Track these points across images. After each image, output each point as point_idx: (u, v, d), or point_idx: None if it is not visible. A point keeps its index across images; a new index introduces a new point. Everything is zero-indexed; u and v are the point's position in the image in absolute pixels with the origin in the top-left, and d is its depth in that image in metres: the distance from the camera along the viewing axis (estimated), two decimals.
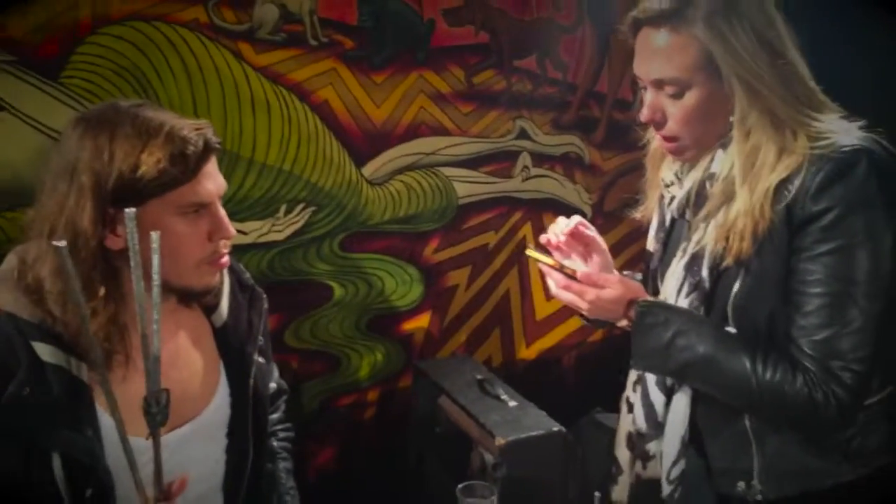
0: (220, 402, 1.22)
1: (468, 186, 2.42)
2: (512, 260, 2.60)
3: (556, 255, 1.31)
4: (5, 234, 1.71)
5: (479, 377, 2.14)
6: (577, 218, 1.31)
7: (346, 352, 2.30)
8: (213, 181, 1.08)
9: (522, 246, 2.61)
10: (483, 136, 2.42)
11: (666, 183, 1.30)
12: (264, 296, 1.32)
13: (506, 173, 2.50)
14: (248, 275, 1.32)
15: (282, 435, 1.42)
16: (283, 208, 2.09)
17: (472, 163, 2.42)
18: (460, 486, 1.41)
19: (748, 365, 1.10)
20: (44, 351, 1.03)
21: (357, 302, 2.29)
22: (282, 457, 1.39)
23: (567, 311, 2.70)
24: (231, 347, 1.23)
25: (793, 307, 1.10)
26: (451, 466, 2.07)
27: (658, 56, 1.13)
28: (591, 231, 1.32)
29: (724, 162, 1.16)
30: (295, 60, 2.04)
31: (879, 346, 1.07)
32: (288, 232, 2.11)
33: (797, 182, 1.08)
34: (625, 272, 1.44)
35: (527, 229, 2.61)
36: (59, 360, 1.03)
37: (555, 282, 1.26)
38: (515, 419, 1.93)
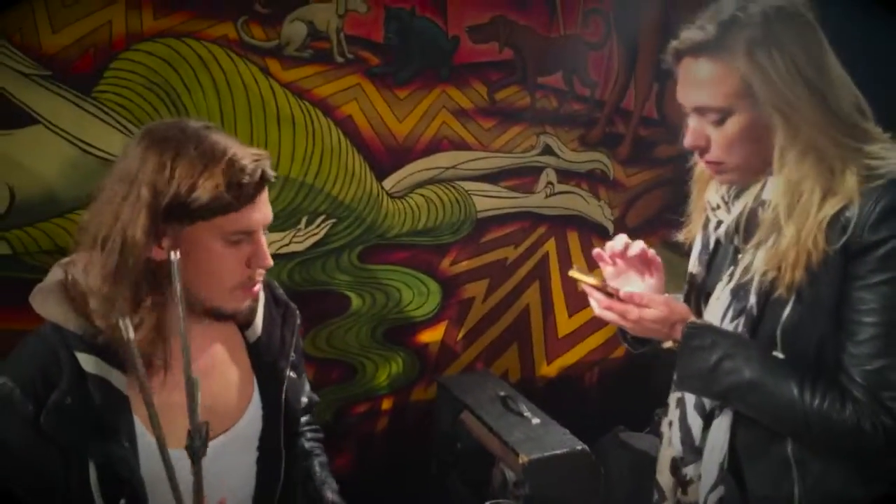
0: (253, 415, 1.24)
1: (488, 201, 2.45)
2: (533, 275, 2.62)
3: (608, 270, 1.34)
4: (38, 245, 1.80)
5: (501, 393, 2.15)
6: (640, 243, 1.32)
7: (362, 361, 2.35)
8: (261, 212, 1.11)
9: (544, 261, 2.63)
10: (505, 151, 2.44)
11: (712, 206, 1.29)
12: (297, 312, 1.35)
13: (528, 188, 2.52)
14: (281, 290, 1.35)
15: (310, 435, 1.45)
16: (304, 220, 2.15)
17: (493, 177, 2.44)
18: (487, 503, 1.42)
19: (796, 391, 1.09)
20: (87, 362, 1.06)
21: (374, 312, 2.33)
22: (315, 453, 1.42)
23: (590, 328, 2.77)
24: (264, 362, 1.26)
25: (845, 335, 1.09)
26: (472, 483, 2.08)
27: (699, 85, 1.14)
28: (654, 255, 1.33)
29: (775, 189, 1.15)
30: (321, 76, 2.10)
31: None
32: (308, 243, 2.17)
33: (854, 211, 1.07)
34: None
35: (550, 245, 2.63)
36: (100, 370, 1.07)
37: (597, 302, 1.26)
38: (539, 437, 1.92)
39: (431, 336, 2.47)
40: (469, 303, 2.52)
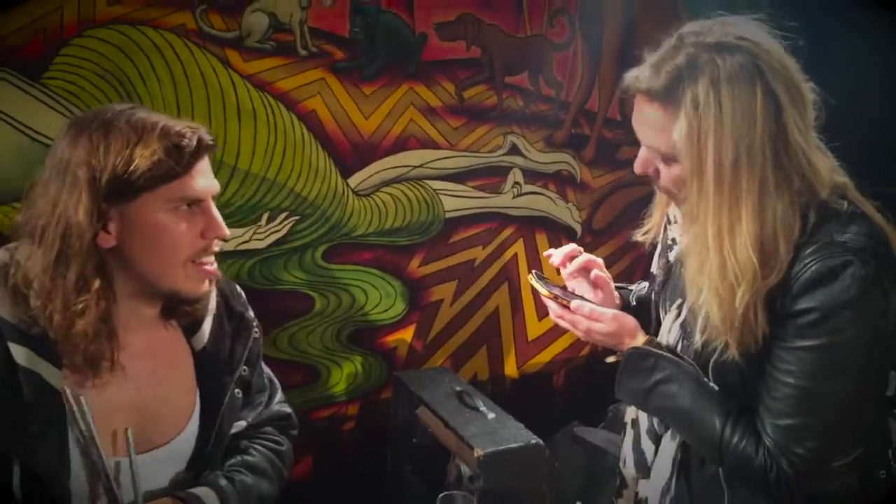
0: (191, 432, 1.18)
1: (456, 200, 2.41)
2: (502, 276, 2.58)
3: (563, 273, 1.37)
4: None
5: (457, 389, 2.12)
6: (588, 256, 1.35)
7: (325, 363, 2.27)
8: (206, 178, 1.08)
9: (513, 263, 2.59)
10: (472, 150, 2.40)
11: (670, 220, 1.30)
12: (255, 324, 1.28)
13: (495, 188, 2.48)
14: (242, 300, 1.28)
15: (259, 442, 1.30)
16: (265, 216, 2.08)
17: (461, 177, 2.40)
18: (441, 495, 1.40)
19: (718, 427, 1.12)
20: (19, 353, 1.01)
21: (339, 314, 2.26)
22: (248, 452, 1.26)
23: (559, 331, 2.71)
24: (207, 375, 1.20)
25: (764, 385, 1.11)
26: (427, 478, 2.04)
27: (647, 126, 1.11)
28: (602, 271, 1.36)
29: (690, 259, 1.13)
30: (283, 69, 2.04)
31: (842, 429, 1.10)
32: (269, 240, 2.09)
33: (787, 277, 1.06)
34: (629, 285, 1.48)
35: (519, 246, 2.59)
36: (32, 364, 1.01)
37: (551, 310, 1.30)
38: (494, 431, 1.91)
39: (398, 339, 2.40)
40: (437, 305, 2.46)
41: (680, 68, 1.05)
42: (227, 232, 1.10)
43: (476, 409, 2.01)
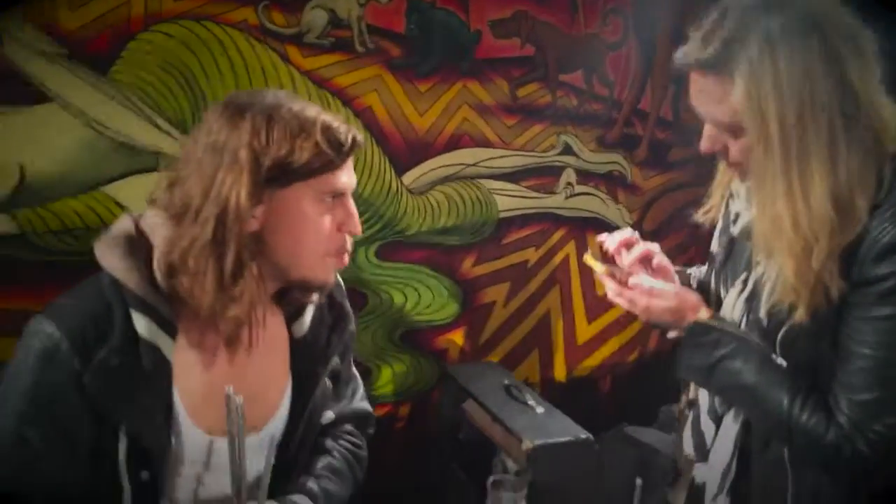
0: (281, 418, 1.17)
1: (509, 200, 2.38)
2: (553, 279, 2.54)
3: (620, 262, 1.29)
4: (46, 224, 1.71)
5: (505, 382, 2.09)
6: (646, 244, 1.28)
7: (376, 363, 2.25)
8: (351, 175, 1.09)
9: (564, 265, 2.55)
10: (526, 149, 2.38)
11: (732, 195, 1.25)
12: (352, 318, 1.27)
13: (548, 189, 2.46)
14: (342, 291, 1.28)
15: (342, 441, 1.30)
16: None
17: (514, 176, 2.38)
18: (491, 478, 1.38)
19: (786, 404, 1.08)
20: (142, 324, 1.01)
21: (391, 313, 2.24)
22: (332, 454, 1.26)
23: (608, 334, 2.69)
24: (302, 363, 1.19)
25: (839, 360, 1.06)
26: (473, 474, 2.00)
27: (705, 101, 1.08)
28: (663, 258, 1.29)
29: (759, 220, 1.09)
30: (341, 65, 2.04)
31: None
32: None
33: (860, 233, 1.02)
34: (686, 268, 1.42)
35: (570, 248, 2.55)
36: (153, 336, 1.01)
37: (608, 288, 1.25)
38: (542, 425, 1.88)
39: (450, 340, 2.37)
40: (489, 307, 2.43)
41: (729, 34, 1.02)
42: (360, 229, 1.11)
43: (525, 402, 1.98)
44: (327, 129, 1.03)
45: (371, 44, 2.07)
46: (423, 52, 2.14)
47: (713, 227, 1.32)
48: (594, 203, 2.57)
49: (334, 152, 1.04)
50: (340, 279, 1.27)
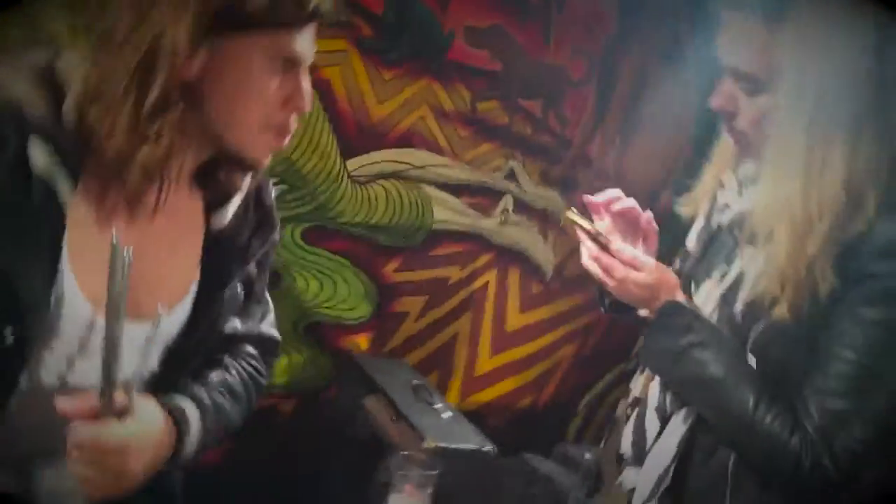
0: (182, 313, 1.01)
1: (446, 212, 2.29)
2: (468, 303, 2.46)
3: (599, 225, 1.20)
4: None
5: (415, 382, 2.00)
6: (631, 200, 1.20)
7: None
8: (309, 46, 0.93)
9: (482, 292, 2.48)
10: (473, 165, 2.31)
11: (723, 185, 1.19)
12: (278, 225, 1.13)
13: (486, 210, 2.39)
14: (272, 195, 1.13)
15: (243, 363, 1.15)
16: None
17: (456, 189, 2.30)
18: (398, 454, 1.29)
19: (751, 402, 1.01)
20: (39, 156, 0.84)
21: (303, 300, 2.07)
22: (227, 369, 1.11)
23: (508, 371, 2.63)
24: (215, 258, 1.03)
25: (816, 363, 1.00)
26: (353, 477, 1.85)
27: (742, 45, 1.03)
28: (650, 220, 1.21)
29: (788, 194, 1.01)
30: None
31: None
32: None
33: (863, 227, 0.98)
34: None
35: (491, 276, 2.49)
36: (49, 172, 0.84)
37: (587, 250, 1.15)
38: (448, 429, 1.80)
39: (354, 343, 2.23)
40: (402, 317, 2.31)
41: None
42: (310, 107, 0.95)
43: (432, 404, 1.89)
44: None
45: (344, 15, 1.94)
46: (395, 38, 2.04)
47: (689, 221, 1.27)
48: (524, 236, 2.52)
49: (295, 7, 0.89)
50: (271, 181, 1.13)
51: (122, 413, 0.86)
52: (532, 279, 2.58)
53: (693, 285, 1.20)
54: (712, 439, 1.10)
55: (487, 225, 2.41)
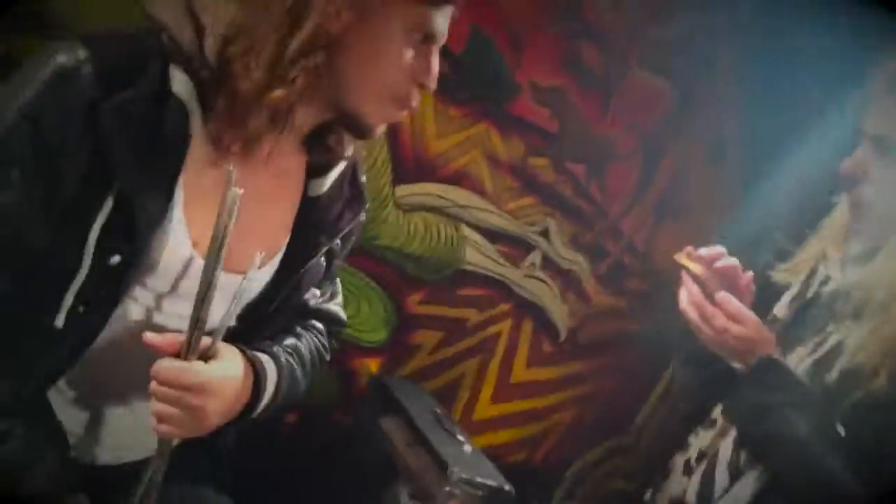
0: (268, 273, 1.02)
1: (478, 256, 2.32)
2: (479, 347, 2.47)
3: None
4: None
5: (437, 410, 2.00)
6: (734, 260, 1.22)
7: None
8: (445, 25, 0.95)
9: (493, 339, 2.49)
10: (513, 214, 2.35)
11: (829, 256, 1.22)
12: (367, 203, 1.15)
13: (514, 260, 2.42)
14: (364, 178, 1.16)
15: (313, 334, 1.17)
16: None
17: (492, 235, 2.33)
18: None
19: (840, 470, 1.02)
20: (180, 81, 0.85)
21: None
22: (301, 336, 1.13)
23: (507, 422, 2.63)
24: (307, 225, 1.05)
25: None
26: (358, 498, 1.88)
27: (888, 111, 1.08)
28: (750, 281, 1.22)
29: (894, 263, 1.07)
30: None
31: None
32: None
33: None
34: None
35: (505, 325, 2.51)
36: (188, 98, 0.86)
37: (688, 294, 1.17)
38: (471, 462, 1.80)
39: (365, 366, 2.23)
40: (416, 349, 2.32)
41: None
42: (434, 85, 0.97)
43: (455, 435, 1.89)
44: None
45: None
46: (468, 80, 2.10)
47: (781, 288, 1.29)
48: (545, 292, 2.56)
49: None
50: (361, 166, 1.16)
51: (207, 356, 0.88)
52: (545, 337, 2.60)
53: (782, 351, 1.21)
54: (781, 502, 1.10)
55: (513, 275, 2.44)
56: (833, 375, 1.09)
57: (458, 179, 2.19)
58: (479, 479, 1.71)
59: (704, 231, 2.70)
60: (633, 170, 2.58)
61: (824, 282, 1.21)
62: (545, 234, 2.46)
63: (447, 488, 1.62)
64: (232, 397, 0.91)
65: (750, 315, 1.15)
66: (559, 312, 2.62)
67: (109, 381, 0.97)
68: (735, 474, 1.16)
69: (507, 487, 1.77)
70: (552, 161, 2.37)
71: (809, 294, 1.23)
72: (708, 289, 1.16)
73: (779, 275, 1.29)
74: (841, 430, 1.07)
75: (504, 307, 2.47)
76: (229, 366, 0.91)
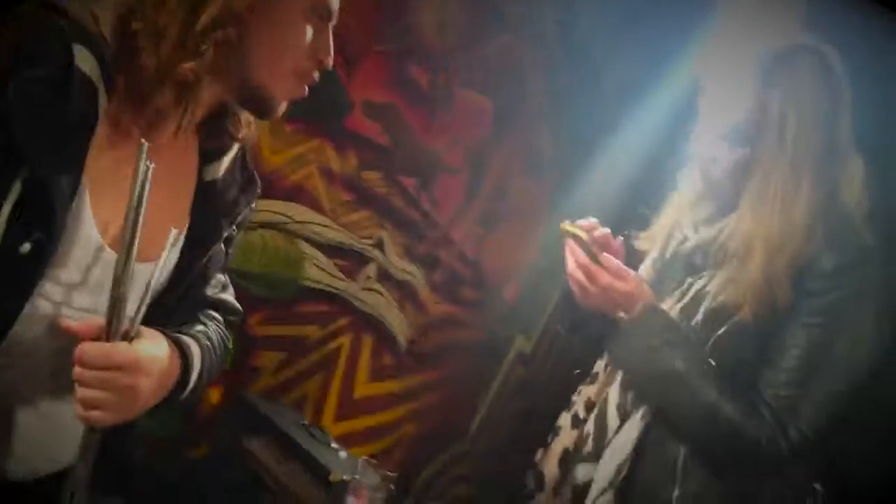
0: (172, 260, 1.00)
1: (317, 271, 2.31)
2: (320, 365, 2.45)
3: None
4: None
5: (304, 422, 1.98)
6: (607, 229, 1.35)
7: None
8: (337, 6, 1.00)
9: (334, 355, 2.48)
10: (348, 228, 2.37)
11: (682, 223, 1.39)
12: (258, 192, 1.15)
13: (351, 275, 2.44)
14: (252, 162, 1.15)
15: (215, 323, 1.13)
16: None
17: (329, 250, 2.33)
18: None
19: (715, 394, 1.18)
20: (84, 57, 0.82)
21: None
22: (206, 323, 1.10)
23: (351, 441, 2.60)
24: (208, 209, 1.04)
25: (766, 359, 1.21)
26: None
27: (730, 104, 1.27)
28: (620, 245, 1.37)
29: (754, 223, 1.24)
30: None
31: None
32: None
33: (814, 255, 1.21)
34: None
35: (345, 341, 2.51)
36: (95, 76, 0.83)
37: (574, 258, 1.28)
38: (350, 466, 1.76)
39: (206, 397, 2.12)
40: (258, 373, 2.24)
41: (769, 59, 1.25)
42: (331, 62, 1.00)
43: (328, 443, 1.87)
44: None
45: None
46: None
47: (642, 253, 1.45)
48: (382, 304, 2.59)
49: None
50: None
51: (129, 338, 0.85)
52: (385, 349, 2.63)
53: None
54: (665, 433, 1.24)
55: (350, 288, 2.45)
56: (699, 318, 1.25)
57: (294, 195, 2.17)
58: (364, 480, 1.70)
59: (527, 236, 2.90)
60: (461, 182, 2.70)
61: (682, 242, 1.39)
62: (380, 246, 2.50)
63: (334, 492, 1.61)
64: (162, 376, 0.90)
65: (630, 271, 1.30)
66: (398, 324, 2.66)
67: (17, 385, 0.89)
68: (624, 416, 1.29)
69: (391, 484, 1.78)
70: (384, 174, 2.41)
71: (668, 255, 1.41)
72: (596, 249, 1.29)
73: (640, 243, 1.47)
74: (712, 363, 1.24)
75: (343, 321, 2.47)
76: (154, 345, 0.90)
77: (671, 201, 1.45)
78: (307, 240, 2.25)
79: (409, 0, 2.29)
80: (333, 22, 1.00)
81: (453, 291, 2.81)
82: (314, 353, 2.41)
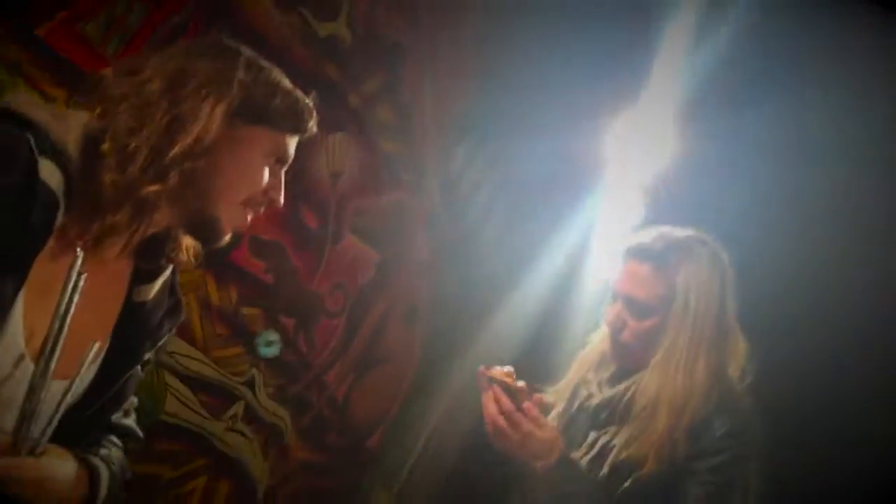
0: (87, 378, 1.00)
1: (179, 406, 2.21)
2: None
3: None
4: None
5: None
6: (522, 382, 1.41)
7: None
8: (293, 151, 1.10)
9: (187, 499, 2.32)
10: (219, 364, 2.30)
11: (587, 380, 1.50)
12: (182, 317, 1.20)
13: (216, 412, 2.34)
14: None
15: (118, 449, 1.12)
16: None
17: (195, 384, 2.25)
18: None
19: None
20: (49, 170, 0.87)
21: None
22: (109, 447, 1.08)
23: None
24: (132, 331, 1.06)
25: None
26: None
27: (637, 284, 1.41)
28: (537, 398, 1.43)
29: (660, 383, 1.37)
30: None
31: None
32: None
33: (708, 418, 1.34)
34: None
35: (200, 483, 2.36)
36: (58, 189, 0.87)
37: (498, 405, 1.32)
38: None
39: None
40: None
41: (676, 245, 1.42)
42: (282, 202, 1.09)
43: None
44: (304, 100, 1.08)
45: None
46: None
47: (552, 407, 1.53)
48: (246, 448, 2.48)
49: (299, 121, 1.07)
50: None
51: (36, 453, 0.85)
52: (241, 496, 2.48)
53: None
54: None
55: (213, 428, 2.34)
56: (605, 471, 1.35)
57: None
58: None
59: (395, 385, 2.91)
60: (340, 327, 2.72)
61: (587, 398, 1.50)
62: (251, 384, 2.44)
63: None
64: (66, 494, 0.90)
65: (548, 421, 1.38)
66: (260, 470, 2.54)
67: None
68: None
69: None
70: (264, 313, 2.40)
71: (573, 409, 1.52)
72: (522, 396, 1.35)
73: (547, 396, 1.55)
74: None
75: (201, 462, 2.33)
76: (61, 463, 0.90)
77: (578, 360, 1.58)
78: (173, 371, 2.16)
79: (302, 146, 2.41)
80: (286, 166, 1.10)
81: (319, 437, 2.73)
82: (165, 495, 2.24)
